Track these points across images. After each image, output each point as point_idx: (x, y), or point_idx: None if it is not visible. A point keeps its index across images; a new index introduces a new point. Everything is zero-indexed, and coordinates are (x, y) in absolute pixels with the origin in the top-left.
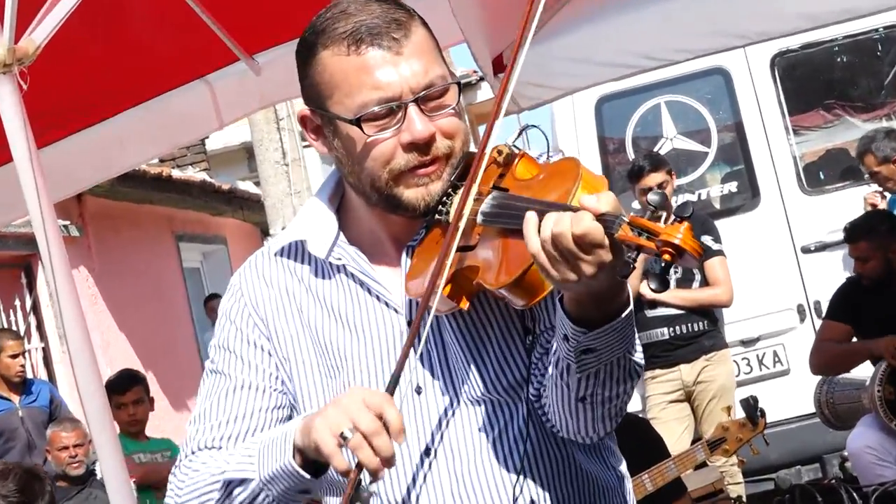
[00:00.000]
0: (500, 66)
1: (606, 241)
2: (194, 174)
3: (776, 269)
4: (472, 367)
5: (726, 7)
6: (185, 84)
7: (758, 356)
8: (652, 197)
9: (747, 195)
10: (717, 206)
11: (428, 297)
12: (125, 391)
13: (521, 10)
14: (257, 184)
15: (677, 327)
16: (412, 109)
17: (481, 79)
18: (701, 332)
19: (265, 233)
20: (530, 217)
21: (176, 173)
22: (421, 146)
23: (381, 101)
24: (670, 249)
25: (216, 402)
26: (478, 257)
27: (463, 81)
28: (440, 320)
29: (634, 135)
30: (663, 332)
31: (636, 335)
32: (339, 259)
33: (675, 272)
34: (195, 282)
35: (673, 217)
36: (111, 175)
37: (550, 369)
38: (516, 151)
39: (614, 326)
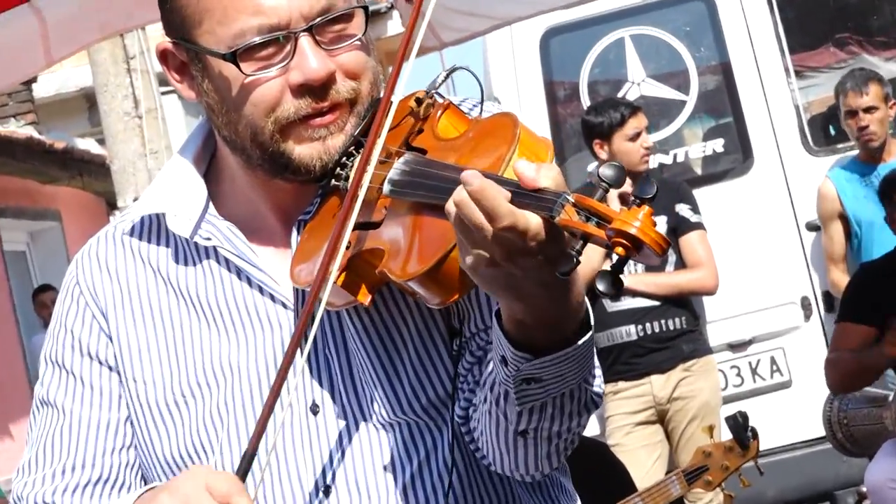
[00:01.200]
0: None
1: (536, 224)
2: (17, 129)
3: (774, 251)
4: (384, 379)
5: None
6: (3, 11)
7: (751, 364)
8: (605, 171)
9: (737, 156)
10: (699, 170)
11: (318, 288)
12: None
13: None
14: (101, 142)
15: (648, 325)
16: (304, 41)
17: (392, 6)
18: (678, 333)
19: (111, 205)
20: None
21: None
22: (316, 89)
23: (264, 29)
24: (624, 241)
25: (49, 446)
26: (383, 238)
27: (372, 9)
28: (341, 319)
29: (591, 78)
30: (629, 332)
31: (595, 358)
32: (209, 239)
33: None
34: (20, 270)
35: (632, 198)
36: None
37: (483, 392)
38: (440, 101)
39: (568, 355)
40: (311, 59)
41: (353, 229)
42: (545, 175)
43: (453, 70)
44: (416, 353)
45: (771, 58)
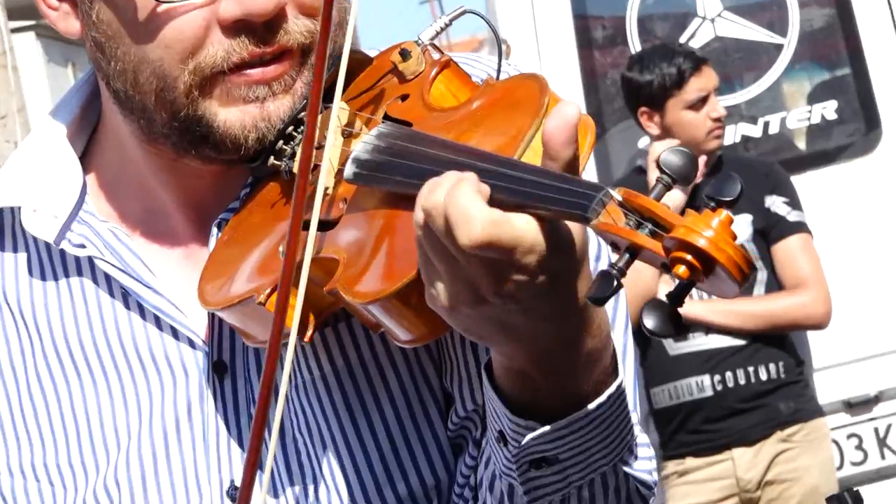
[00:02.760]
0: None
1: (517, 233)
2: None
3: None
4: (344, 459)
5: None
6: None
7: (877, 432)
8: (669, 158)
9: (857, 126)
10: (801, 146)
11: (279, 333)
12: None
13: None
14: None
15: (728, 375)
16: None
17: None
18: (773, 386)
19: None
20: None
21: None
22: (258, 27)
23: None
24: (690, 258)
25: None
26: (338, 243)
27: None
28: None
29: (643, 12)
30: (702, 386)
31: (632, 422)
32: (82, 246)
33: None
34: None
35: (709, 201)
36: None
37: (483, 495)
38: (436, 57)
39: (592, 418)
40: None
41: (296, 228)
42: (571, 149)
43: (458, 14)
44: (396, 420)
45: None
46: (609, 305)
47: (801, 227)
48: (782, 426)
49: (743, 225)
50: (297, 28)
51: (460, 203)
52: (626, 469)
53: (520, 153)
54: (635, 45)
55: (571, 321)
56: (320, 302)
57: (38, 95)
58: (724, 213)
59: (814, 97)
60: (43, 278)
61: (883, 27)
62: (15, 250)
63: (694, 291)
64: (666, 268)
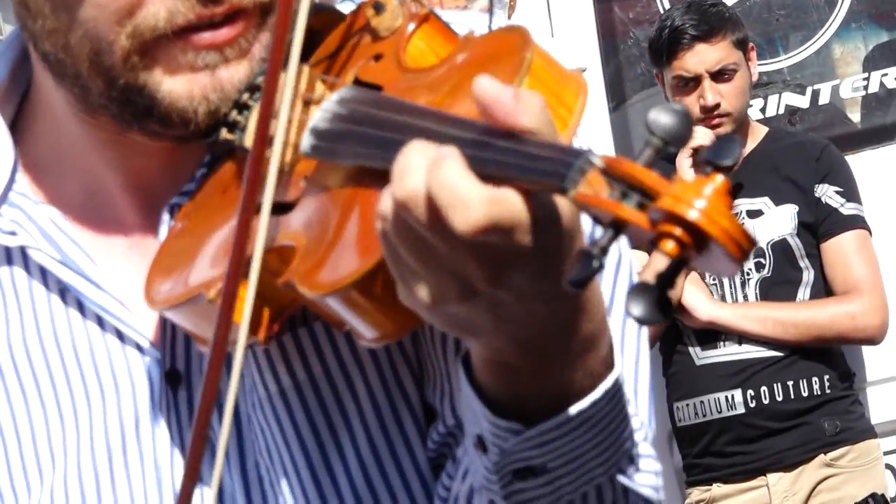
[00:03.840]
0: None
1: (515, 212)
2: None
3: None
4: (306, 482)
5: None
6: None
7: None
8: (657, 117)
9: None
10: (857, 119)
11: (226, 326)
12: None
13: None
14: None
15: (763, 390)
16: None
17: None
18: (816, 403)
19: None
20: (410, 150)
21: None
22: None
23: None
24: (678, 231)
25: None
26: (293, 227)
27: None
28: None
29: None
30: (732, 401)
31: (634, 428)
32: (13, 234)
33: (755, 270)
34: None
35: (706, 164)
36: None
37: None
38: (413, 10)
39: (584, 418)
40: None
41: (247, 212)
42: (533, 105)
43: None
44: (367, 439)
45: None
46: (606, 288)
47: (856, 223)
48: (826, 448)
49: (786, 216)
50: None
51: (450, 184)
52: (626, 482)
53: None
54: (663, 1)
55: (565, 302)
56: (278, 298)
57: None
58: (720, 178)
59: (871, 63)
60: None
61: None
62: None
63: (727, 292)
64: (654, 244)
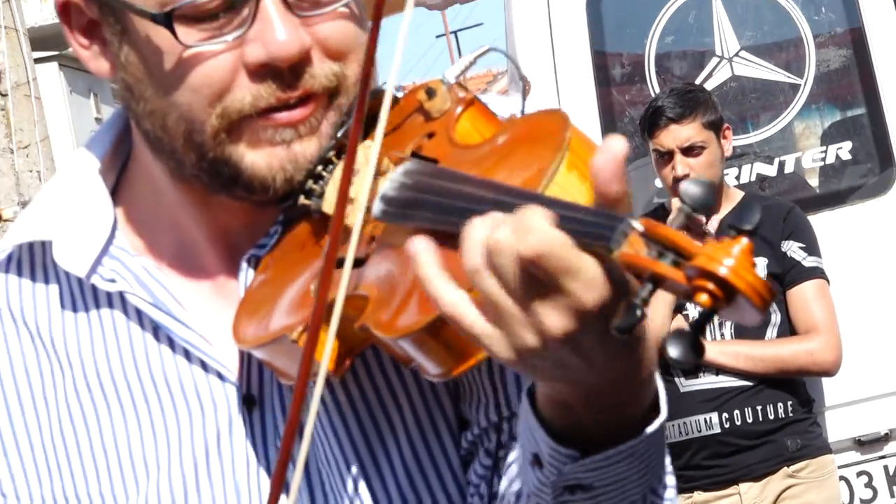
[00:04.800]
0: None
1: (585, 265)
2: None
3: None
4: (360, 484)
5: None
6: None
7: (887, 470)
8: (688, 188)
9: (871, 167)
10: (816, 185)
11: (309, 364)
12: None
13: None
14: None
15: (736, 413)
16: (270, 3)
17: None
18: (781, 423)
19: None
20: (478, 220)
21: None
22: (283, 72)
23: None
24: (711, 286)
25: None
26: (368, 280)
27: None
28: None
29: (661, 49)
30: (710, 423)
31: (667, 457)
32: (112, 280)
33: (722, 323)
34: None
35: (730, 230)
36: None
37: None
38: (460, 95)
39: (632, 451)
40: (278, 29)
41: (330, 266)
42: (621, 187)
43: (482, 53)
44: (411, 448)
45: None
46: None
47: (816, 273)
48: (789, 462)
49: (758, 268)
50: (323, 72)
51: (561, 249)
52: (654, 499)
53: (543, 187)
54: (653, 83)
55: (621, 360)
56: (352, 339)
57: (60, 126)
58: (745, 241)
59: (828, 137)
60: (74, 310)
61: None
62: (47, 282)
63: (707, 331)
64: (688, 296)
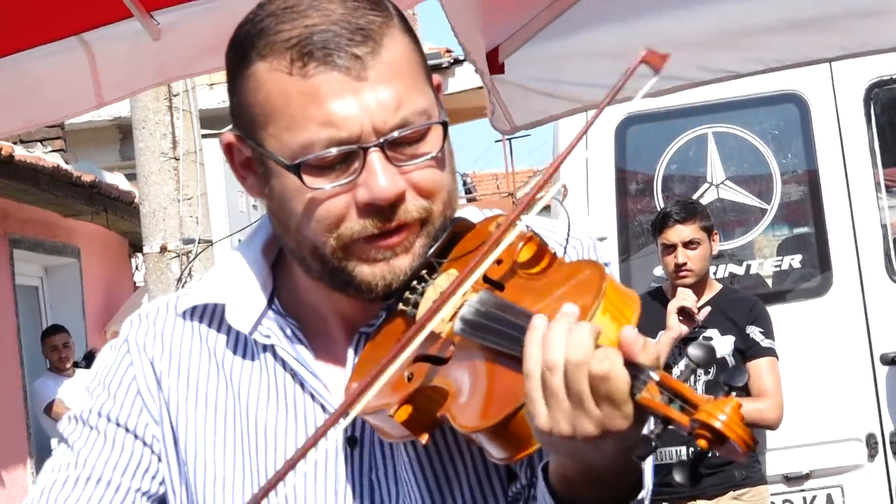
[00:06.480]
0: (494, 65)
1: (630, 401)
2: (44, 155)
3: (843, 381)
4: None
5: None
6: (52, 41)
7: (805, 500)
8: (694, 351)
9: (814, 274)
10: (770, 284)
11: (355, 399)
12: None
13: None
14: (130, 177)
15: (683, 449)
16: (375, 157)
17: (457, 61)
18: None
19: (135, 247)
20: (537, 324)
21: (20, 152)
22: (384, 209)
23: (333, 142)
24: (708, 434)
25: (48, 492)
26: (449, 377)
27: (431, 63)
28: (394, 446)
29: (667, 172)
30: (680, 453)
31: None
32: (268, 336)
33: (703, 374)
34: (30, 306)
35: (723, 386)
36: None
37: None
38: (523, 230)
39: None
40: (380, 178)
41: (422, 361)
42: (649, 352)
43: (553, 196)
44: (471, 492)
45: (861, 170)
46: None
47: (770, 352)
48: (735, 488)
49: (727, 343)
50: (415, 207)
51: (619, 380)
52: None
53: None
54: (659, 198)
55: (614, 452)
56: (434, 418)
57: (216, 185)
58: (735, 400)
59: (783, 249)
60: (242, 355)
61: (841, 206)
62: (224, 331)
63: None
64: (690, 437)
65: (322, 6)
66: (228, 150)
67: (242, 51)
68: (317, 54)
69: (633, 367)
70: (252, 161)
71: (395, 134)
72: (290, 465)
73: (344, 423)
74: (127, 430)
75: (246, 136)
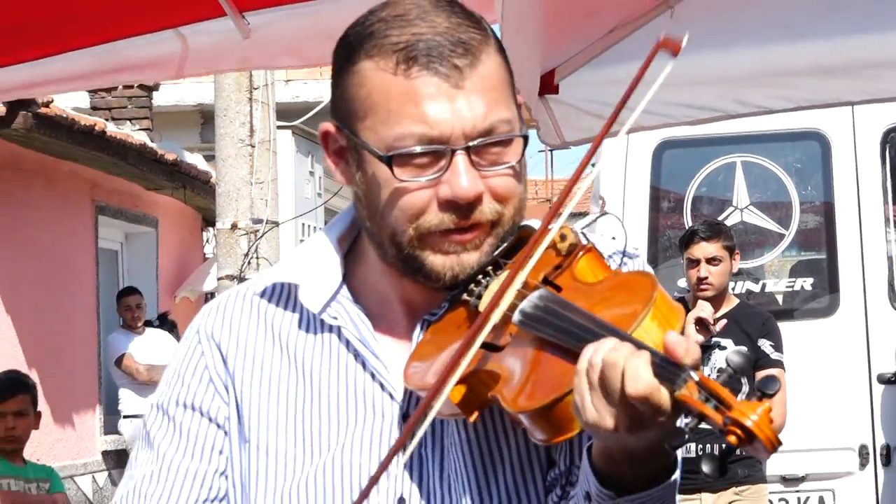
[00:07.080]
0: (549, 85)
1: (668, 402)
2: (132, 133)
3: (842, 395)
4: (475, 492)
5: (862, 45)
6: (151, 33)
7: (799, 500)
8: (733, 357)
9: (823, 296)
10: (781, 302)
11: (431, 397)
12: (6, 399)
13: (586, 20)
14: (208, 159)
15: (707, 446)
16: (460, 159)
17: None
18: (737, 457)
19: (208, 222)
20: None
21: (111, 128)
22: (462, 207)
23: (424, 139)
24: (739, 431)
25: (140, 488)
26: (503, 363)
27: None
28: (444, 424)
29: (697, 194)
30: (689, 449)
31: (676, 498)
32: (335, 318)
33: (718, 372)
34: (110, 268)
35: (757, 391)
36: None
37: None
38: (583, 242)
39: (652, 495)
40: (463, 178)
41: (479, 347)
42: (691, 354)
43: (602, 214)
44: (513, 473)
45: (873, 205)
46: None
47: (778, 364)
48: (737, 484)
49: (739, 354)
50: (489, 209)
51: (640, 368)
52: None
53: (632, 330)
54: (688, 217)
55: (652, 439)
56: (485, 399)
57: (285, 172)
58: (767, 404)
59: (797, 272)
60: (307, 332)
61: (852, 236)
62: (293, 310)
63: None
64: (721, 434)
65: (430, 18)
66: (325, 137)
67: (350, 49)
68: (421, 59)
69: (675, 366)
70: (346, 150)
71: (481, 140)
72: (392, 453)
73: (431, 414)
74: (202, 413)
75: (343, 127)
